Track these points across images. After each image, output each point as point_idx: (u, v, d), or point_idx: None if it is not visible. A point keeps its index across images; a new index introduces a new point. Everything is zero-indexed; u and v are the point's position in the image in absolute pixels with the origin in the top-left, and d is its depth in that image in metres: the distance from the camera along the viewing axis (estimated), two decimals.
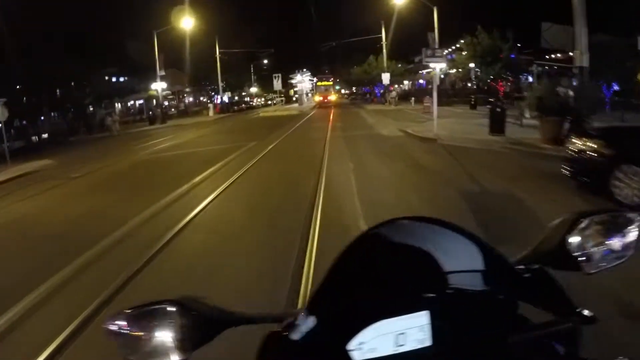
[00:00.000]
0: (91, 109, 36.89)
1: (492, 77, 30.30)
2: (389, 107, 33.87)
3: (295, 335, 0.80)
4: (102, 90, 36.08)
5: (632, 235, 0.90)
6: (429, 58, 21.03)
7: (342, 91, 69.83)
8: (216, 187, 8.10)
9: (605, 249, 0.88)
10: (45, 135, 30.04)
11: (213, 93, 59.02)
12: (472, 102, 26.45)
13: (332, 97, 48.54)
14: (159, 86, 34.79)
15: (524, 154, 10.26)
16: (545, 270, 0.89)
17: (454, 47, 36.67)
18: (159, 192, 7.88)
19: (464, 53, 33.15)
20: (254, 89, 64.54)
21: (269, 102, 61.83)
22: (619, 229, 0.90)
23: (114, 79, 42.84)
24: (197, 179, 9.22)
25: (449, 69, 34.99)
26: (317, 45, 53.14)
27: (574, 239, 0.87)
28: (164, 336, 0.80)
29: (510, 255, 0.92)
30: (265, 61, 63.72)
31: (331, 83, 51.79)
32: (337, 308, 0.83)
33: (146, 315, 0.82)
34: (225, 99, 59.75)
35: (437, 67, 33.70)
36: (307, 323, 0.80)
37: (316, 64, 72.47)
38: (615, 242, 0.89)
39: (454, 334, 0.81)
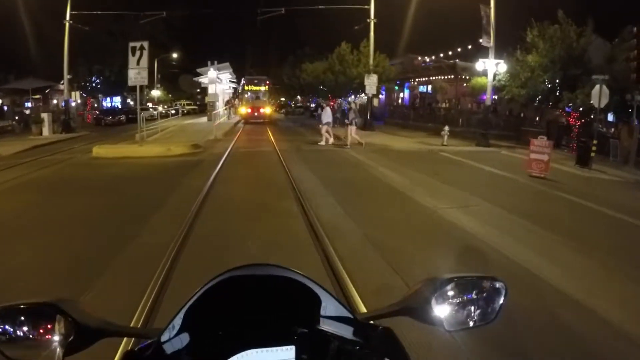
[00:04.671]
0: None
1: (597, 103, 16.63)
2: (359, 143, 16.60)
3: (166, 352, 0.80)
4: None
5: (495, 302, 0.93)
6: None
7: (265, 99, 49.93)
8: None
9: (468, 311, 0.92)
10: None
11: (101, 95, 41.44)
12: None
13: (267, 110, 32.68)
14: None
15: None
16: (392, 332, 0.93)
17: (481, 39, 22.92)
18: None
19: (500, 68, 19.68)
20: (156, 92, 46.43)
21: (174, 111, 37.12)
22: (484, 294, 0.93)
23: None
24: None
25: (501, 79, 20.56)
26: (253, 20, 31.31)
27: (439, 298, 0.90)
28: (41, 337, 0.81)
29: None
30: (175, 54, 46.11)
31: (266, 88, 34.18)
32: (208, 330, 0.83)
33: (26, 315, 0.82)
34: (113, 103, 42.23)
35: (491, 69, 20.02)
36: (177, 341, 0.81)
37: (243, 59, 54.39)
38: (479, 307, 0.92)
39: None
